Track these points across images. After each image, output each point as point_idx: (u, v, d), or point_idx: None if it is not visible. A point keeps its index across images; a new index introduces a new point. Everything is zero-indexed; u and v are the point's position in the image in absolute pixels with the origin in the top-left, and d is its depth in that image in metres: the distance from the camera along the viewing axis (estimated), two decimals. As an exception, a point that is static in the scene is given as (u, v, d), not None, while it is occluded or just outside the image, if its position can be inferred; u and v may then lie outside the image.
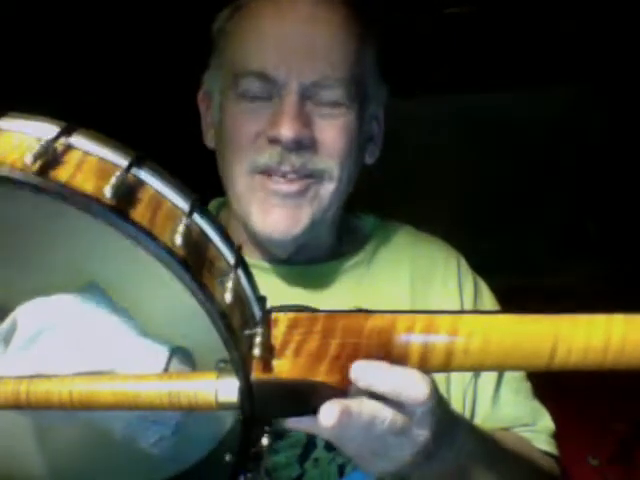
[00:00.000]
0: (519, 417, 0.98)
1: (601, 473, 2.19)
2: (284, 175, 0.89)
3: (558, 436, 1.02)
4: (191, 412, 0.57)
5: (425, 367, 0.59)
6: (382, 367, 0.57)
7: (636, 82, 3.01)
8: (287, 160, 0.88)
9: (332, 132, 0.90)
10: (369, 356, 0.57)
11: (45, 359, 0.54)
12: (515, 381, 1.00)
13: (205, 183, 1.02)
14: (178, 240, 0.49)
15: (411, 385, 0.58)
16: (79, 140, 0.51)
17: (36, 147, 0.47)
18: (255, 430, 0.55)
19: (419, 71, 3.00)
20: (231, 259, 0.55)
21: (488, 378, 0.98)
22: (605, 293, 2.72)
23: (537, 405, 1.01)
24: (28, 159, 0.47)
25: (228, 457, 0.56)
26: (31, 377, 0.53)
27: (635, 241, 3.27)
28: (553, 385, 1.06)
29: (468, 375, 0.97)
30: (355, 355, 0.57)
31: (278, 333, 0.56)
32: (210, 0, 0.99)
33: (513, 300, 1.09)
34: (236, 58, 0.92)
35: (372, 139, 1.01)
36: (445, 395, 0.96)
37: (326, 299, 0.96)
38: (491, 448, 0.83)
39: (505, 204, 3.43)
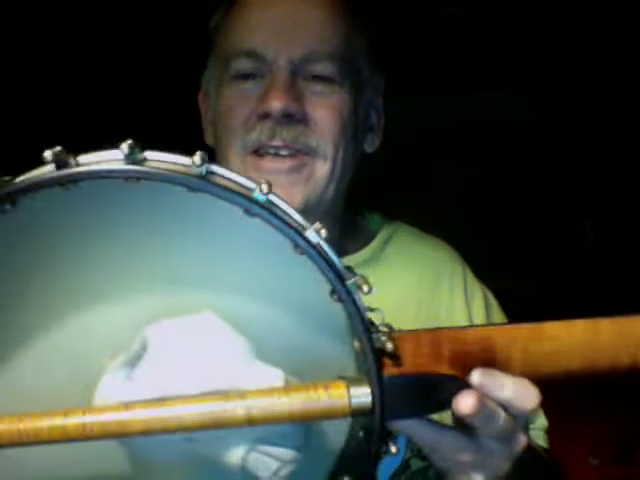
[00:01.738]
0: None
1: (601, 473, 2.19)
2: (276, 153, 0.87)
3: (559, 436, 1.03)
4: (312, 432, 0.56)
5: (527, 373, 0.61)
6: (499, 375, 0.59)
7: (635, 85, 3.01)
8: (278, 134, 0.87)
9: (325, 109, 0.89)
10: (480, 362, 0.59)
11: (169, 381, 0.53)
12: None
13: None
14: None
15: (524, 393, 0.60)
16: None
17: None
18: (380, 440, 0.55)
19: (418, 71, 3.00)
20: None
21: None
22: (603, 291, 2.73)
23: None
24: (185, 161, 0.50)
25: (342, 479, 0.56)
26: (158, 400, 0.52)
27: (631, 240, 3.28)
28: (553, 385, 1.06)
29: None
30: (468, 360, 0.58)
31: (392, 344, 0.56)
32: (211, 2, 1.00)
33: (512, 300, 1.09)
34: (227, 43, 0.93)
35: (372, 129, 1.01)
36: None
37: None
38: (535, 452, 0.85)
39: (503, 204, 3.43)
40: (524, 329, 0.62)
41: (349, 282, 0.52)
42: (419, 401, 0.56)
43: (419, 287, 0.98)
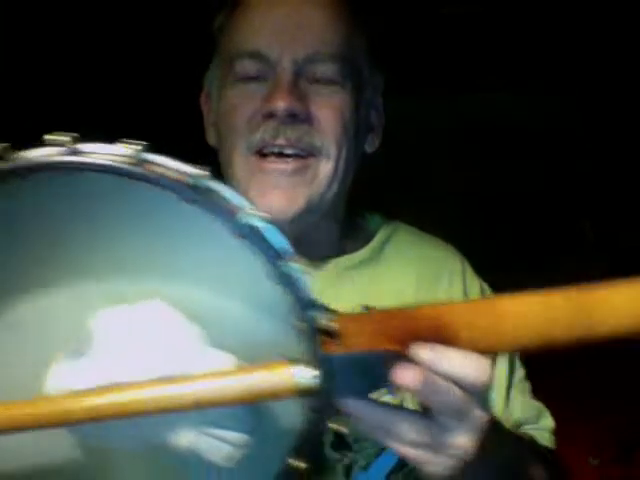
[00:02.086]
0: (527, 416, 0.99)
1: (601, 473, 2.19)
2: (280, 152, 0.88)
3: (559, 436, 1.03)
4: (264, 415, 0.57)
5: (479, 350, 0.60)
6: (444, 349, 0.58)
7: (635, 85, 3.01)
8: (282, 133, 0.88)
9: (327, 109, 0.90)
10: (426, 338, 0.59)
11: (118, 369, 0.54)
12: (520, 382, 1.00)
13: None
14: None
15: (474, 367, 0.59)
16: (154, 157, 0.54)
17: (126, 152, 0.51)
18: (326, 419, 0.55)
19: (418, 71, 3.00)
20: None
21: (499, 381, 0.98)
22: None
23: (539, 404, 1.02)
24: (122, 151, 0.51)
25: (295, 461, 0.55)
26: (108, 386, 0.52)
27: (631, 240, 3.28)
28: (554, 385, 1.06)
29: None
30: (417, 339, 0.58)
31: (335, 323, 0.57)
32: (215, 4, 1.00)
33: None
34: (231, 44, 0.94)
35: (372, 129, 1.02)
36: None
37: (333, 295, 0.95)
38: (525, 449, 0.84)
39: (503, 204, 3.43)
40: (474, 306, 0.63)
41: (287, 263, 0.53)
42: (363, 378, 0.56)
43: (417, 286, 0.99)
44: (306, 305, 0.53)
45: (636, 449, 2.25)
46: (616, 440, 2.26)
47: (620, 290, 0.64)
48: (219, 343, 0.56)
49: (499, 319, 0.61)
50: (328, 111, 0.90)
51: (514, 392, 0.99)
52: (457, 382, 0.59)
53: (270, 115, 0.87)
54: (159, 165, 0.52)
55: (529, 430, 0.99)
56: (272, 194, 0.88)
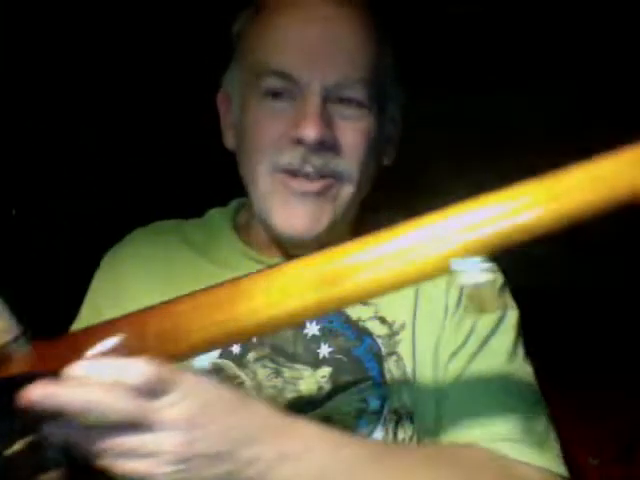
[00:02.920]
0: (499, 432, 0.91)
1: (601, 473, 2.19)
2: (306, 175, 0.89)
3: (559, 436, 1.00)
4: None
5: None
6: (90, 361, 0.61)
7: (636, 85, 3.01)
8: (309, 161, 0.89)
9: (353, 135, 0.91)
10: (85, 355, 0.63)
11: None
12: (500, 393, 0.95)
13: (226, 184, 1.04)
14: None
15: (128, 369, 0.60)
16: None
17: None
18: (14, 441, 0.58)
19: (420, 71, 3.00)
20: None
21: (458, 391, 0.95)
22: (606, 290, 2.72)
23: (532, 417, 0.95)
24: None
25: None
26: None
27: (634, 239, 3.27)
28: (553, 385, 1.06)
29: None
30: (75, 356, 0.62)
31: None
32: (227, 2, 0.99)
33: (518, 299, 1.09)
34: (258, 58, 0.93)
35: (390, 140, 1.03)
36: (437, 394, 0.96)
37: None
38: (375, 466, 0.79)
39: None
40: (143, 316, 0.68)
41: None
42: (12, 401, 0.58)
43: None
44: None
45: (636, 449, 2.25)
46: (616, 440, 2.26)
47: None
48: None
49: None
50: (354, 135, 0.91)
51: (486, 405, 0.93)
52: (121, 388, 0.59)
53: (299, 141, 0.87)
54: None
55: (512, 447, 0.90)
56: (297, 215, 0.91)
